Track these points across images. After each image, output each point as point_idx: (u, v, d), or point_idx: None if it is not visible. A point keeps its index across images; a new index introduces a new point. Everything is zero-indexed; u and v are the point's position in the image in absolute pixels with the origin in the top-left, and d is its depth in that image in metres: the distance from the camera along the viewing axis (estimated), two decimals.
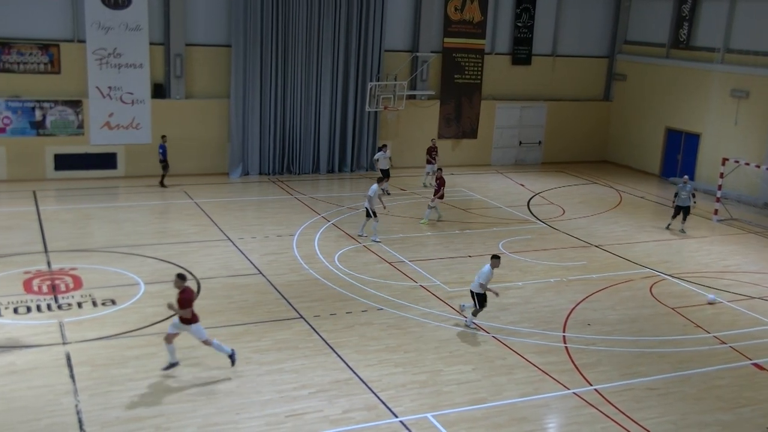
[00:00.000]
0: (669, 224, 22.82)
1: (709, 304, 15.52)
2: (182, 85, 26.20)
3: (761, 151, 25.95)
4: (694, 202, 22.61)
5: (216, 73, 26.67)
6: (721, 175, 24.44)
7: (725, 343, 14.73)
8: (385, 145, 26.11)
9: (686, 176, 23.08)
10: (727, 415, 11.98)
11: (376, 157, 25.74)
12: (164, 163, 24.61)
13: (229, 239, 19.74)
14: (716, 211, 24.27)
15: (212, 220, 21.35)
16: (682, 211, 22.34)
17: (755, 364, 13.88)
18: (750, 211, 25.02)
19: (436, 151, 26.70)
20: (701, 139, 28.67)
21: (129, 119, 25.67)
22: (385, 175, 24.57)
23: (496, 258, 14.63)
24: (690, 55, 29.26)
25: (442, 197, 22.29)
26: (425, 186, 26.47)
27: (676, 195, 22.54)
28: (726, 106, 27.49)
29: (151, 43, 25.57)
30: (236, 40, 26.05)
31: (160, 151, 24.55)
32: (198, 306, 15.18)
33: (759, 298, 17.34)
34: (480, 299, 14.61)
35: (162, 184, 24.74)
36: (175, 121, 26.17)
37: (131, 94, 25.52)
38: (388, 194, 24.16)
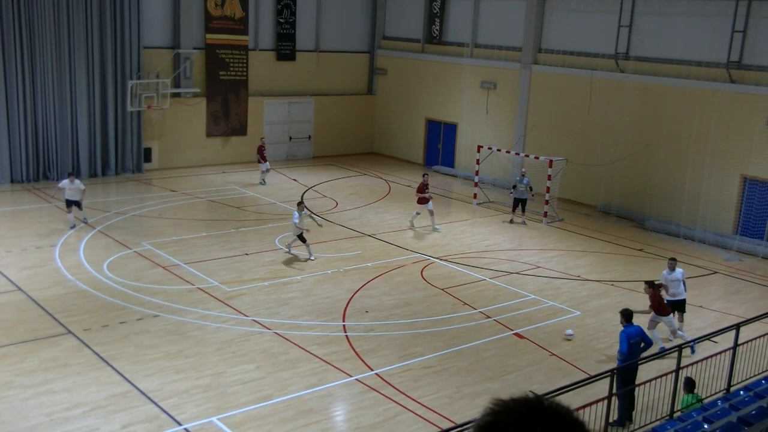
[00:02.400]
0: (511, 218, 23.39)
1: (567, 338, 14.87)
2: None
3: (510, 138, 28.26)
4: (532, 195, 23.49)
5: None
6: (477, 162, 26.28)
7: (490, 317, 15.90)
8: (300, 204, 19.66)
9: (524, 170, 23.92)
10: (495, 384, 12.94)
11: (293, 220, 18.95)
12: None
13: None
14: (475, 195, 26.06)
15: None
16: (521, 203, 23.20)
17: (516, 334, 15.12)
18: (504, 194, 27.14)
19: (428, 187, 22.33)
20: (458, 129, 30.62)
21: None
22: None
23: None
24: (443, 50, 31.10)
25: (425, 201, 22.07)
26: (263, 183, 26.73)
27: (513, 187, 23.33)
28: (477, 97, 29.59)
29: None
30: None
31: None
32: None
33: (516, 273, 18.90)
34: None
35: None
36: None
37: None
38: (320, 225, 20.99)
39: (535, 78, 27.52)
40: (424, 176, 22.69)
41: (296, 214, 18.85)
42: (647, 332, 13.04)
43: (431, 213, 22.23)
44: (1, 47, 24.14)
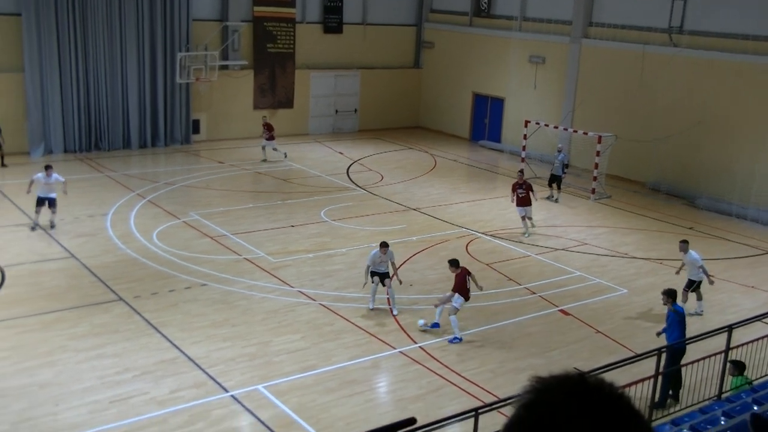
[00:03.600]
0: (549, 195, 22.88)
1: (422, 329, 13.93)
2: None
3: (558, 113, 27.87)
4: (565, 173, 23.12)
5: (6, 45, 24.58)
6: (525, 137, 26.00)
7: (534, 293, 15.81)
8: None
9: (560, 145, 23.72)
10: (539, 360, 12.89)
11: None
12: None
13: (36, 222, 18.42)
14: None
15: (14, 203, 19.82)
16: (556, 180, 22.94)
17: (561, 310, 15.03)
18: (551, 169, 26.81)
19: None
20: (505, 103, 30.29)
21: None
22: None
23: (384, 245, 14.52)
24: (491, 23, 30.71)
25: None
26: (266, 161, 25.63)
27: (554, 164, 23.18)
28: (525, 71, 29.19)
29: None
30: (26, 8, 24.09)
31: None
32: (4, 295, 14.16)
33: (562, 249, 18.73)
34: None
35: (3, 164, 23.20)
36: None
37: None
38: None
39: (585, 52, 27.02)
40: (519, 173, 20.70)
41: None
42: (436, 310, 13.71)
43: (524, 219, 19.52)
44: (56, 21, 24.56)
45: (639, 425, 1.60)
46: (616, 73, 25.98)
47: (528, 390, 1.65)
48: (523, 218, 19.53)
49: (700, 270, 14.86)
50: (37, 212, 17.81)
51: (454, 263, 13.92)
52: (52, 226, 17.94)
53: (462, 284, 13.65)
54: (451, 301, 13.62)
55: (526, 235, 19.38)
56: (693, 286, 14.99)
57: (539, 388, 1.64)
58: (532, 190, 19.51)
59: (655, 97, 24.76)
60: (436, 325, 13.71)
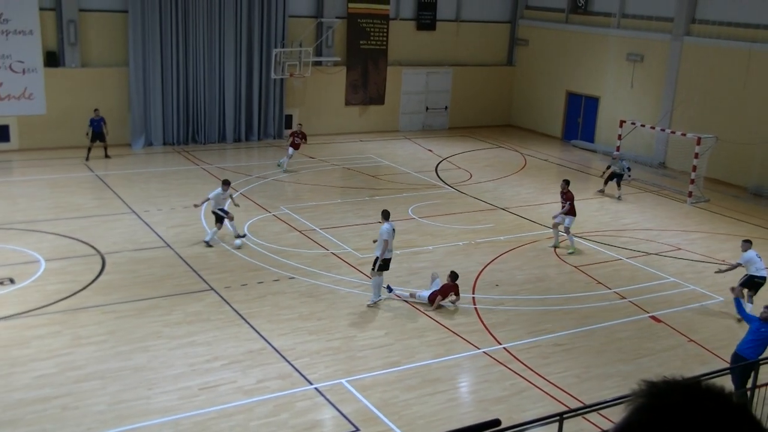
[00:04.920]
0: (619, 195, 22.61)
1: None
2: (77, 52, 25.10)
3: (656, 113, 27.01)
4: (629, 176, 22.74)
5: (113, 40, 25.67)
6: (619, 137, 25.31)
7: (625, 298, 15.39)
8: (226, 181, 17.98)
9: (616, 153, 23.24)
10: (627, 366, 12.55)
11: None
12: (100, 136, 23.72)
13: (134, 212, 19.20)
14: None
15: (115, 193, 20.69)
16: (616, 177, 22.60)
17: (652, 317, 14.57)
18: (646, 171, 26.04)
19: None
20: (600, 102, 29.58)
21: (21, 89, 24.44)
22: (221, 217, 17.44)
23: None
24: (588, 20, 30.02)
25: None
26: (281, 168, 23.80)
27: (608, 167, 22.86)
28: (622, 70, 28.41)
29: (40, 9, 24.33)
30: (133, 6, 25.09)
31: (96, 124, 23.58)
32: (102, 281, 14.81)
33: (655, 254, 18.16)
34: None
35: (106, 155, 24.17)
36: (71, 90, 25.11)
37: (22, 62, 24.28)
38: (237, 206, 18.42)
39: (686, 50, 26.08)
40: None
41: (218, 191, 17.22)
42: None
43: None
44: (159, 19, 25.48)
45: None
46: (720, 73, 24.96)
47: (640, 394, 1.60)
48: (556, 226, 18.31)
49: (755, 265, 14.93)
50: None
51: (454, 276, 14.45)
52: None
53: (444, 294, 14.31)
54: (418, 295, 14.50)
55: (555, 245, 18.13)
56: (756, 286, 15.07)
57: (653, 393, 1.60)
58: (571, 201, 18.33)
59: (760, 97, 23.67)
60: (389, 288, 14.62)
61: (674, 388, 1.59)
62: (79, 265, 15.58)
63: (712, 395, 1.56)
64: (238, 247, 16.84)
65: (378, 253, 14.14)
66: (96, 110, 23.87)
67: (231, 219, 17.22)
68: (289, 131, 26.10)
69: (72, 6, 24.67)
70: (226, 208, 17.27)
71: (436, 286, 14.47)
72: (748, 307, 13.83)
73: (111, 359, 11.82)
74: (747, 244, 15.31)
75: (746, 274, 15.02)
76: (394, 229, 14.47)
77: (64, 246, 16.51)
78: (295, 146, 24.07)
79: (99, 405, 10.55)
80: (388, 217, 14.58)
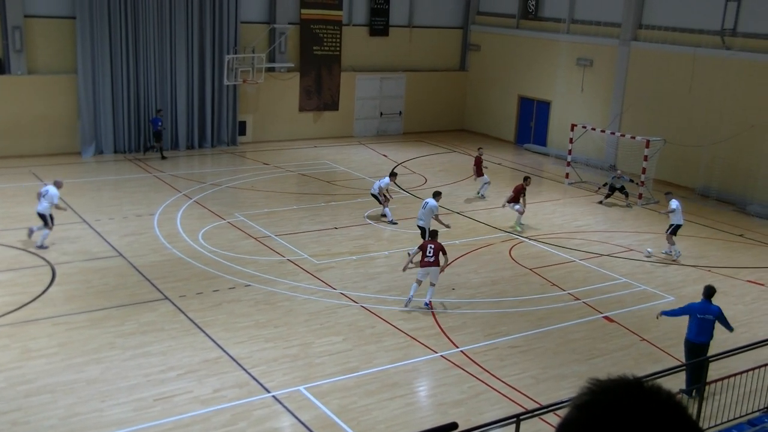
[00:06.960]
0: (628, 203, 22.72)
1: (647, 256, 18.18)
2: (23, 59, 24.57)
3: (606, 117, 27.50)
4: (624, 188, 22.71)
5: (61, 47, 25.19)
6: (571, 141, 25.71)
7: (578, 299, 15.61)
8: None
9: (619, 171, 23.24)
10: (582, 367, 12.73)
11: None
12: (158, 135, 25.42)
13: (85, 221, 18.84)
14: (567, 175, 25.54)
15: (65, 202, 20.27)
16: (617, 190, 22.65)
17: (605, 317, 14.81)
18: (597, 174, 26.47)
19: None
20: (551, 106, 30.00)
21: None
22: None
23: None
24: (538, 25, 30.44)
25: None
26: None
27: (605, 185, 23.03)
28: (573, 74, 28.88)
29: None
30: (81, 12, 24.65)
31: (158, 123, 25.31)
32: (54, 292, 14.50)
33: (607, 255, 18.47)
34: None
35: (162, 156, 25.61)
36: (18, 98, 24.56)
37: None
38: None
39: (634, 55, 26.63)
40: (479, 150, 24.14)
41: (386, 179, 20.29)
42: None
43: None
44: (108, 25, 25.07)
45: None
46: (666, 77, 25.54)
47: (584, 391, 1.65)
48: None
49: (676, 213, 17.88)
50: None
51: (433, 235, 15.28)
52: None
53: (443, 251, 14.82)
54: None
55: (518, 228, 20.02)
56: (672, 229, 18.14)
57: (595, 390, 1.64)
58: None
59: (705, 100, 24.27)
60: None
61: (616, 386, 1.63)
62: (27, 276, 15.24)
63: (654, 394, 1.61)
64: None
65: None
66: (159, 110, 25.75)
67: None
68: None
69: (17, 12, 24.14)
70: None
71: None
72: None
73: (63, 372, 11.57)
74: (670, 195, 18.67)
75: (671, 224, 18.07)
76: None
77: (11, 257, 16.13)
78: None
79: (51, 419, 10.32)
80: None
